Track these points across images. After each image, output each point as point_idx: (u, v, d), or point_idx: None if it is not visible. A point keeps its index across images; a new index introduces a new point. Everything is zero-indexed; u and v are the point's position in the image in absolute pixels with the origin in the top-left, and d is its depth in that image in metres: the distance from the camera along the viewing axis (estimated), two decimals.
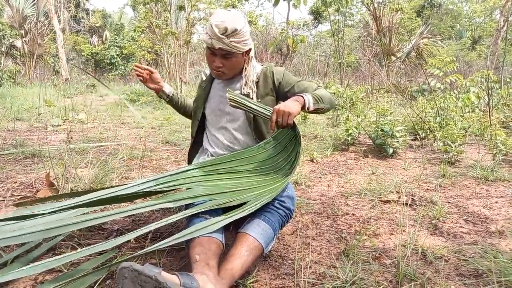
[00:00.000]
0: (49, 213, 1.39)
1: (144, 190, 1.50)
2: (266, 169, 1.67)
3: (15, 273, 1.19)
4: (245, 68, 1.72)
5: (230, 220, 1.36)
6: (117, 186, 1.58)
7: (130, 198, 1.55)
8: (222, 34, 1.53)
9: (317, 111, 1.66)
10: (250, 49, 1.69)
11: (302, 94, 1.62)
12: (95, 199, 1.44)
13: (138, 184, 1.54)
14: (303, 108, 1.58)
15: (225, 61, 1.64)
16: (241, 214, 1.38)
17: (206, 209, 1.40)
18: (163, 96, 1.95)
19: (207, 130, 1.86)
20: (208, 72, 1.88)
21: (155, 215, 2.05)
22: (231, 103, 1.55)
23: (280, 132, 1.69)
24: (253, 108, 1.58)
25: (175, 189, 1.55)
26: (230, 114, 1.77)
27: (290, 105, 1.52)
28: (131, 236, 1.28)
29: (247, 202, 1.45)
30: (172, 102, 1.99)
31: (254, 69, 1.75)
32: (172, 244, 1.24)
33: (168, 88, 1.94)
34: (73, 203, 1.44)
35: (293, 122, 1.54)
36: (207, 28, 1.58)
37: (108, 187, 1.52)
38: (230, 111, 1.77)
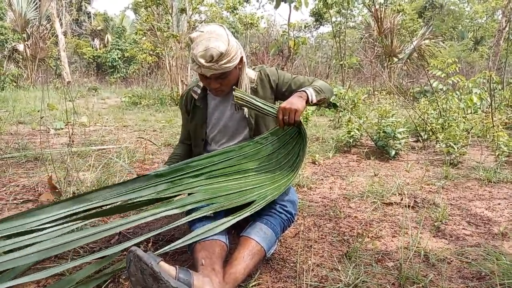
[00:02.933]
0: (51, 226, 1.38)
1: (147, 198, 1.50)
2: (266, 167, 1.65)
3: (18, 280, 1.19)
4: (240, 77, 1.67)
5: (236, 220, 1.37)
6: (120, 184, 1.57)
7: (132, 207, 1.55)
8: (209, 62, 1.47)
9: (319, 102, 1.66)
10: (241, 57, 1.62)
11: (303, 89, 1.61)
12: (97, 210, 1.44)
13: (139, 189, 1.54)
14: (306, 102, 1.58)
15: (221, 81, 1.58)
16: (247, 213, 1.39)
17: (210, 212, 1.40)
18: None
19: (209, 146, 1.83)
20: (197, 90, 1.77)
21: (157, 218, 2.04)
22: (238, 101, 1.54)
23: (279, 129, 1.67)
24: (259, 106, 1.57)
25: (178, 195, 1.55)
26: (234, 128, 1.75)
27: (295, 102, 1.52)
28: (135, 241, 1.28)
29: (254, 201, 1.45)
30: None
31: (247, 76, 1.70)
32: (175, 247, 1.25)
33: None
34: (76, 214, 1.43)
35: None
36: (193, 57, 1.50)
37: (109, 186, 1.52)
38: (233, 125, 1.75)
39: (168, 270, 1.10)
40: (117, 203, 1.48)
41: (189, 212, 1.48)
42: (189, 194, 1.52)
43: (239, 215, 1.38)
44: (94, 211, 1.44)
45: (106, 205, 1.47)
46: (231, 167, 1.63)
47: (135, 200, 1.48)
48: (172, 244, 1.25)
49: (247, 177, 1.61)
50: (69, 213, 1.43)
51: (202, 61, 1.47)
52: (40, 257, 1.25)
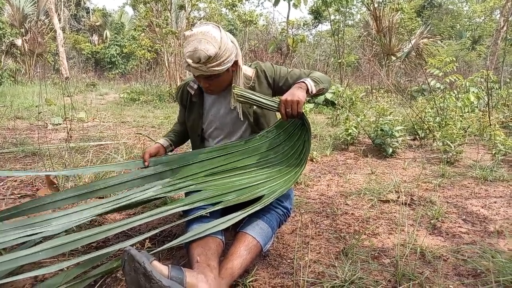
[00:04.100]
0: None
1: (153, 197, 1.50)
2: (272, 160, 1.65)
3: (16, 276, 1.19)
4: (234, 80, 1.66)
5: (242, 217, 1.38)
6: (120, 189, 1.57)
7: (138, 204, 1.56)
8: (196, 64, 1.47)
9: (319, 92, 1.66)
10: (236, 61, 1.60)
11: (302, 80, 1.61)
12: (102, 210, 1.45)
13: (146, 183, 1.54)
14: (307, 92, 1.58)
15: (211, 82, 1.58)
16: (255, 209, 1.40)
17: (207, 212, 1.40)
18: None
19: (206, 142, 1.83)
20: (194, 85, 1.76)
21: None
22: (238, 98, 1.54)
23: (283, 121, 1.67)
24: (260, 102, 1.56)
25: (187, 191, 1.56)
26: (231, 125, 1.75)
27: (296, 93, 1.52)
28: (133, 240, 1.29)
29: (262, 196, 1.46)
30: (177, 146, 1.92)
31: (243, 77, 1.68)
32: (172, 246, 1.26)
33: (166, 144, 1.81)
34: (83, 214, 1.44)
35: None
36: (184, 56, 1.51)
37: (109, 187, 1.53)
38: (231, 122, 1.74)
39: (160, 269, 1.11)
40: (124, 200, 1.48)
41: (186, 210, 1.48)
42: (197, 191, 1.52)
43: (246, 212, 1.38)
44: (100, 210, 1.45)
45: (115, 200, 1.48)
46: (237, 161, 1.63)
47: (142, 197, 1.48)
48: (169, 244, 1.26)
49: (254, 171, 1.61)
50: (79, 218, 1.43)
51: (190, 61, 1.47)
52: (46, 255, 1.25)
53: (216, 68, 1.50)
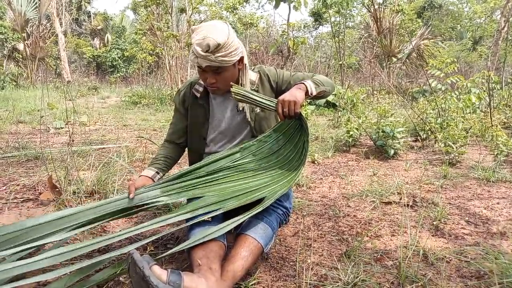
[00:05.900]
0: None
1: (155, 204, 1.50)
2: (273, 164, 1.65)
3: (19, 282, 1.20)
4: (241, 79, 1.66)
5: (244, 219, 1.38)
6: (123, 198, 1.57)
7: (140, 210, 1.56)
8: (206, 52, 1.47)
9: (320, 94, 1.65)
10: (242, 58, 1.62)
11: (302, 81, 1.61)
12: (102, 216, 1.46)
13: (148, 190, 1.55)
14: (306, 94, 1.58)
15: (217, 76, 1.57)
16: (257, 210, 1.40)
17: (208, 217, 1.40)
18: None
19: (207, 147, 1.81)
20: (199, 88, 1.76)
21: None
22: (236, 97, 1.54)
23: (282, 124, 1.66)
24: (258, 101, 1.56)
25: (189, 197, 1.56)
26: (235, 129, 1.75)
27: (294, 93, 1.52)
28: (136, 245, 1.30)
29: (263, 198, 1.46)
30: (166, 171, 1.77)
31: (248, 79, 1.68)
32: (176, 249, 1.27)
33: (151, 175, 1.67)
34: (81, 220, 1.45)
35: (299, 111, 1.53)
36: (192, 47, 1.52)
37: (114, 200, 1.53)
38: (235, 127, 1.74)
39: (159, 274, 1.11)
40: (123, 203, 1.49)
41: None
42: (199, 197, 1.52)
43: (247, 215, 1.38)
44: (100, 214, 1.46)
45: (115, 211, 1.48)
46: (237, 167, 1.62)
47: (145, 203, 1.49)
48: (171, 250, 1.28)
49: (256, 175, 1.61)
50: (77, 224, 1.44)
51: (199, 49, 1.47)
52: (49, 263, 1.26)
53: (224, 59, 1.50)
